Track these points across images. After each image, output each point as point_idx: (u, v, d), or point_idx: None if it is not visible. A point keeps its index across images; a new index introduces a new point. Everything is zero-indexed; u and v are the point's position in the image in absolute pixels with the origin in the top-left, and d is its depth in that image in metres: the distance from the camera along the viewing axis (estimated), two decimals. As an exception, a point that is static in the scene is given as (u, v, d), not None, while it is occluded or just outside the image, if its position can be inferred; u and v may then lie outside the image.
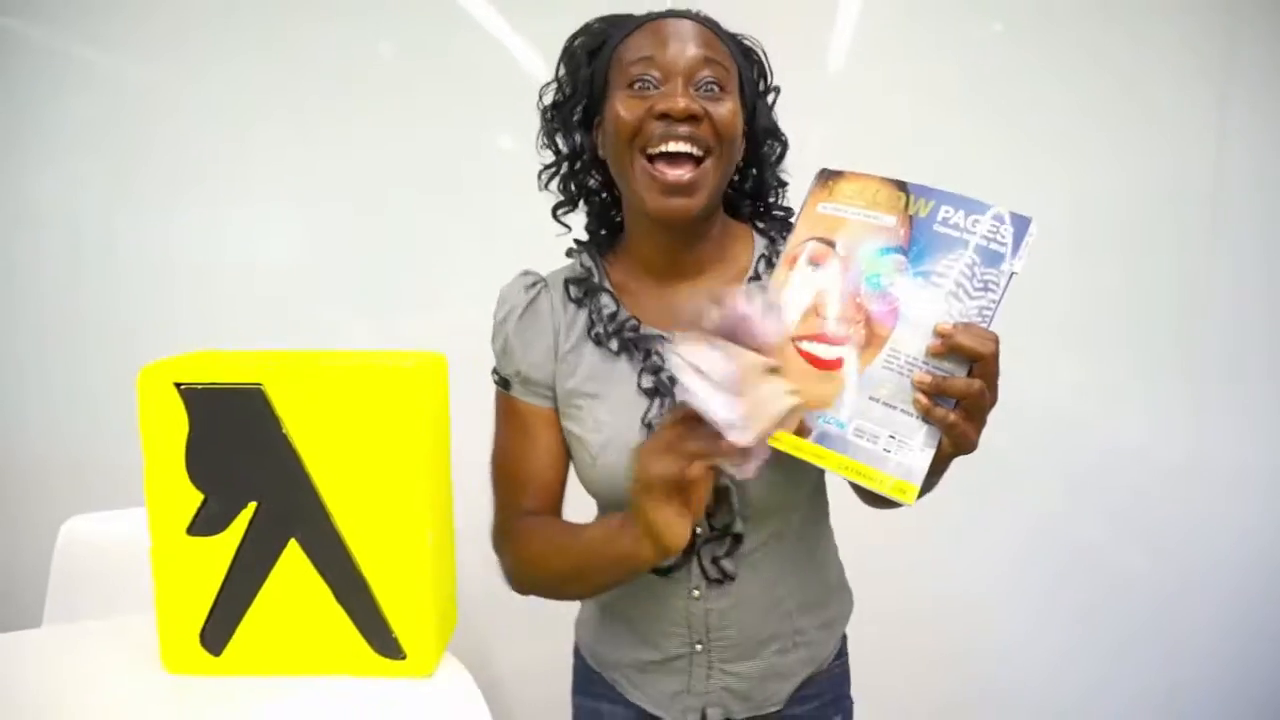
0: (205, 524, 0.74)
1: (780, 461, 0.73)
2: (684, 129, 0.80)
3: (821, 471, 0.82)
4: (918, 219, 0.73)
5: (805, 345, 0.74)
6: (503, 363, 0.93)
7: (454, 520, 0.82)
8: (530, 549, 0.89)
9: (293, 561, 0.74)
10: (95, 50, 1.75)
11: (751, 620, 0.93)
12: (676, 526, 0.72)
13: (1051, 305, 1.67)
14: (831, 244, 0.75)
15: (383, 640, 0.75)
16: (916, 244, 0.73)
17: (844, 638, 1.05)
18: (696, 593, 0.91)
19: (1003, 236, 0.71)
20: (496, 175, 1.73)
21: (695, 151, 0.81)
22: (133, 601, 0.86)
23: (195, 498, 0.74)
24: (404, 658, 0.75)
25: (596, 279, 0.92)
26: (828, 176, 0.78)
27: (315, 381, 0.72)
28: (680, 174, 0.81)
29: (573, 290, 0.92)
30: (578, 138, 0.92)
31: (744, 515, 0.88)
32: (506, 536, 0.91)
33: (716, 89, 0.83)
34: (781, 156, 0.96)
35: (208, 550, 0.74)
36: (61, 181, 1.77)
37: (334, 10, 1.72)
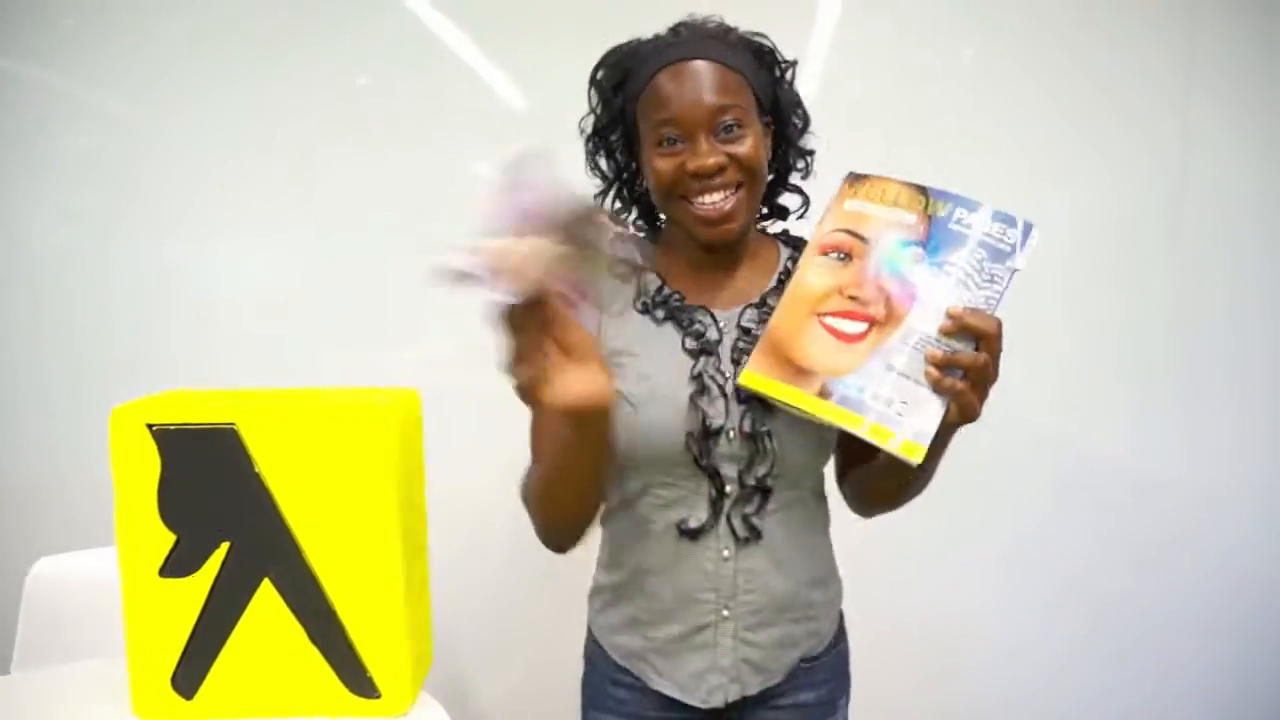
0: (177, 565, 0.74)
1: (809, 425, 0.85)
2: (715, 180, 0.92)
3: (833, 444, 0.99)
4: (936, 218, 0.85)
5: (830, 320, 0.85)
6: None
7: (429, 556, 0.82)
8: (527, 485, 0.92)
9: (266, 602, 0.74)
10: (82, 86, 1.76)
11: (774, 584, 0.98)
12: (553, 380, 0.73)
13: (1035, 315, 1.68)
14: (857, 235, 0.87)
15: (357, 679, 0.75)
16: (933, 239, 0.84)
17: (841, 619, 1.10)
18: (726, 553, 0.96)
19: (1010, 237, 0.83)
20: (475, 204, 1.74)
21: (728, 192, 0.93)
22: (103, 644, 0.85)
23: (167, 539, 0.73)
24: (379, 696, 0.75)
25: (645, 262, 1.00)
26: (855, 178, 0.91)
27: (288, 420, 0.73)
28: (720, 205, 0.92)
29: (618, 269, 0.93)
30: (620, 158, 1.04)
31: (776, 472, 0.94)
32: (522, 493, 0.94)
33: (736, 128, 0.92)
34: (804, 130, 1.05)
35: (180, 592, 0.74)
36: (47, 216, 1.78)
37: (313, 43, 1.73)
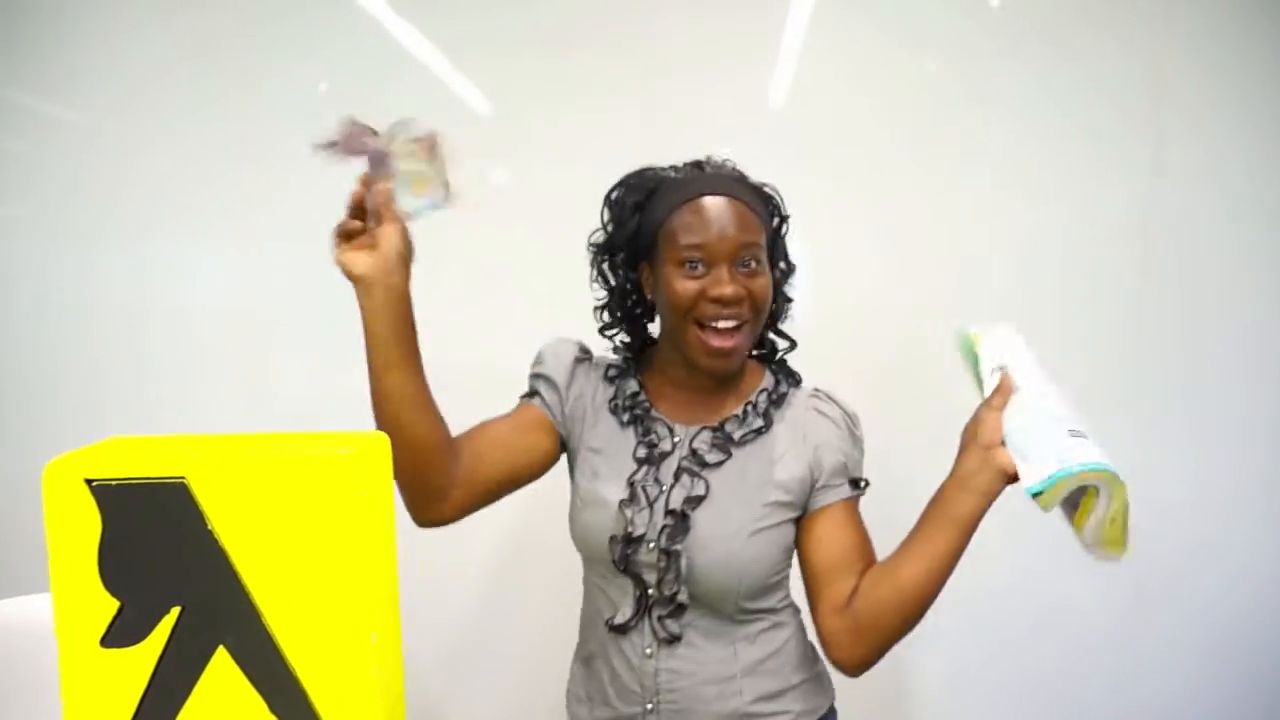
0: (121, 634, 0.67)
1: (728, 550, 0.94)
2: (730, 310, 1.01)
3: (777, 574, 1.07)
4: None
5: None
6: (534, 383, 1.13)
7: (400, 615, 0.76)
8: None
9: (221, 671, 0.67)
10: (34, 96, 1.68)
11: (698, 690, 1.02)
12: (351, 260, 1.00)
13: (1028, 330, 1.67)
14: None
15: (323, 753, 0.68)
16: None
17: None
18: (649, 650, 1.03)
19: None
20: (442, 214, 1.69)
21: (738, 324, 1.02)
22: (40, 709, 0.78)
23: (110, 604, 0.67)
24: (347, 771, 0.69)
25: (631, 374, 1.12)
26: (1013, 333, 1.07)
27: (243, 473, 0.66)
28: (726, 343, 1.01)
29: (611, 371, 1.13)
30: (624, 275, 1.12)
31: (685, 583, 1.00)
32: None
33: (754, 264, 1.02)
34: (787, 277, 1.13)
35: (124, 663, 0.67)
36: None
37: (279, 52, 1.67)
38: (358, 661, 0.68)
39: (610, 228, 1.11)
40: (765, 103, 1.65)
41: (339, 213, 1.72)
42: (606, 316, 1.15)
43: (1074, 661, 1.75)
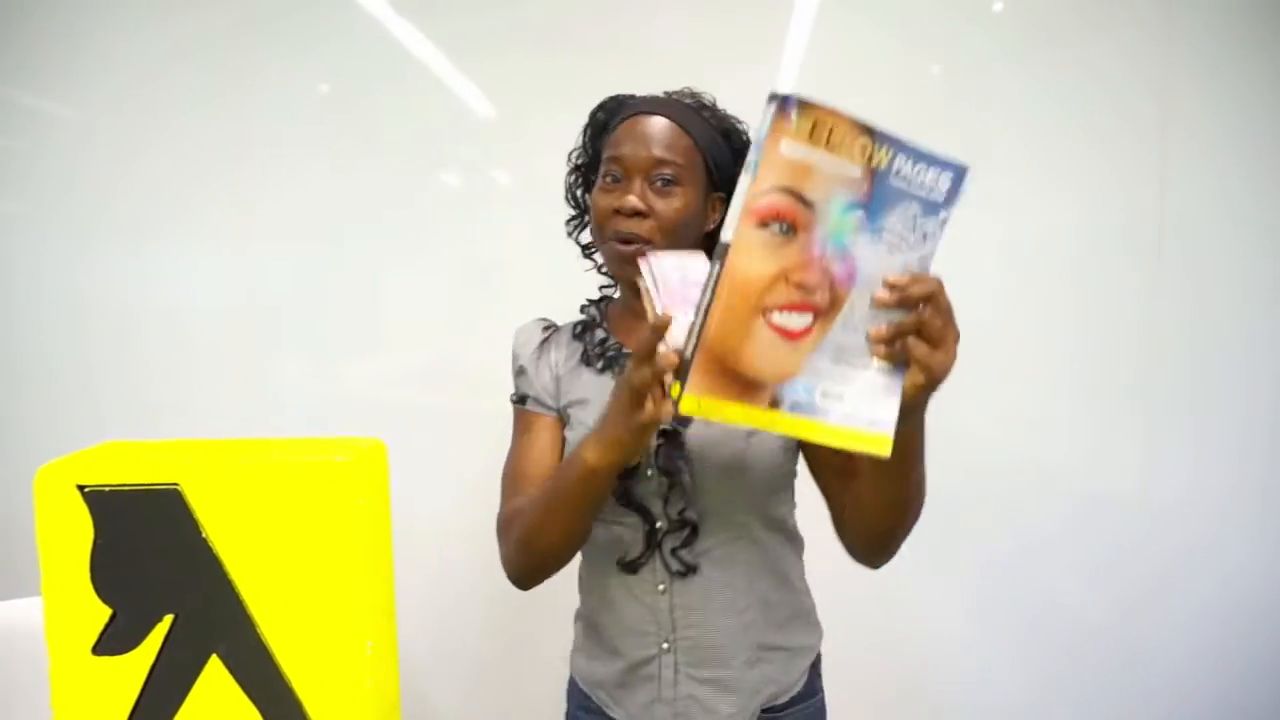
0: (113, 642, 0.66)
1: (728, 451, 0.87)
2: (631, 223, 0.98)
3: (782, 474, 1.01)
4: (878, 171, 0.69)
5: (777, 317, 0.69)
6: (520, 384, 1.10)
7: (396, 622, 0.75)
8: (511, 519, 1.00)
9: (214, 679, 0.67)
10: (31, 94, 1.67)
11: (715, 621, 1.00)
12: (638, 429, 0.80)
13: (997, 335, 1.67)
14: (801, 198, 0.67)
15: (318, 763, 0.68)
16: (875, 199, 0.69)
17: (815, 675, 1.10)
18: (662, 587, 1.01)
19: (941, 185, 0.72)
20: (443, 213, 1.68)
21: (639, 238, 0.98)
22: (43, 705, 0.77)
23: (102, 612, 0.66)
24: (342, 781, 0.68)
25: (597, 322, 1.09)
26: (792, 107, 0.66)
27: (237, 479, 0.65)
28: (625, 249, 0.98)
29: (578, 328, 1.11)
30: (584, 197, 1.12)
31: (696, 504, 0.99)
32: (502, 522, 1.03)
33: (670, 184, 0.99)
34: None
35: (116, 671, 0.66)
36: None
37: (277, 51, 1.66)
38: (353, 670, 0.67)
39: (586, 146, 1.11)
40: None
41: (339, 214, 1.72)
42: (582, 237, 1.14)
43: (1070, 661, 1.74)
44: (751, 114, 1.68)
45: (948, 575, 1.71)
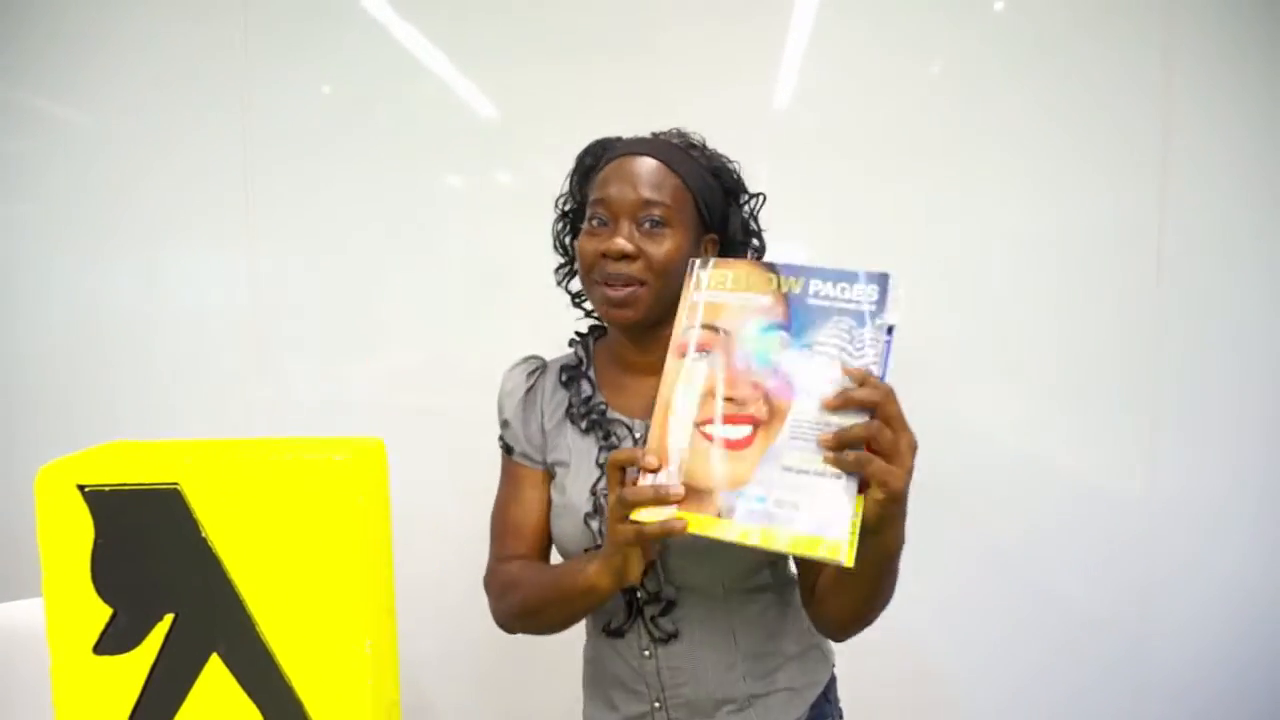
0: (114, 641, 0.66)
1: (703, 540, 0.78)
2: (621, 266, 0.95)
3: (762, 553, 0.89)
4: (791, 295, 0.79)
5: (710, 429, 0.78)
6: (506, 434, 1.10)
7: (396, 621, 0.75)
8: (506, 584, 1.02)
9: (214, 679, 0.67)
10: (47, 99, 1.69)
11: (704, 678, 1.00)
12: (633, 562, 0.85)
13: (1000, 336, 1.66)
14: (714, 329, 0.80)
15: (318, 762, 0.67)
16: (795, 319, 0.78)
17: (826, 700, 1.09)
18: (647, 652, 1.01)
19: (868, 296, 0.77)
20: (446, 216, 1.69)
21: (628, 284, 0.96)
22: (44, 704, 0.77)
23: (103, 612, 0.66)
24: (342, 780, 0.68)
25: (584, 367, 1.07)
26: (698, 267, 0.83)
27: (237, 479, 0.66)
28: (616, 294, 0.96)
29: (564, 375, 1.08)
30: (572, 243, 1.09)
31: (671, 581, 0.99)
32: (491, 576, 1.06)
33: (659, 225, 0.96)
34: (760, 256, 1.07)
35: (117, 670, 0.66)
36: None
37: (279, 53, 1.67)
38: (353, 670, 0.67)
39: (574, 191, 1.09)
40: (768, 108, 1.64)
41: (343, 217, 1.73)
42: (572, 285, 1.12)
43: (1067, 658, 1.73)
44: (754, 112, 1.68)
45: (947, 571, 1.71)
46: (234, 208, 1.69)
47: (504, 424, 1.10)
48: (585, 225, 1.00)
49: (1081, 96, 1.63)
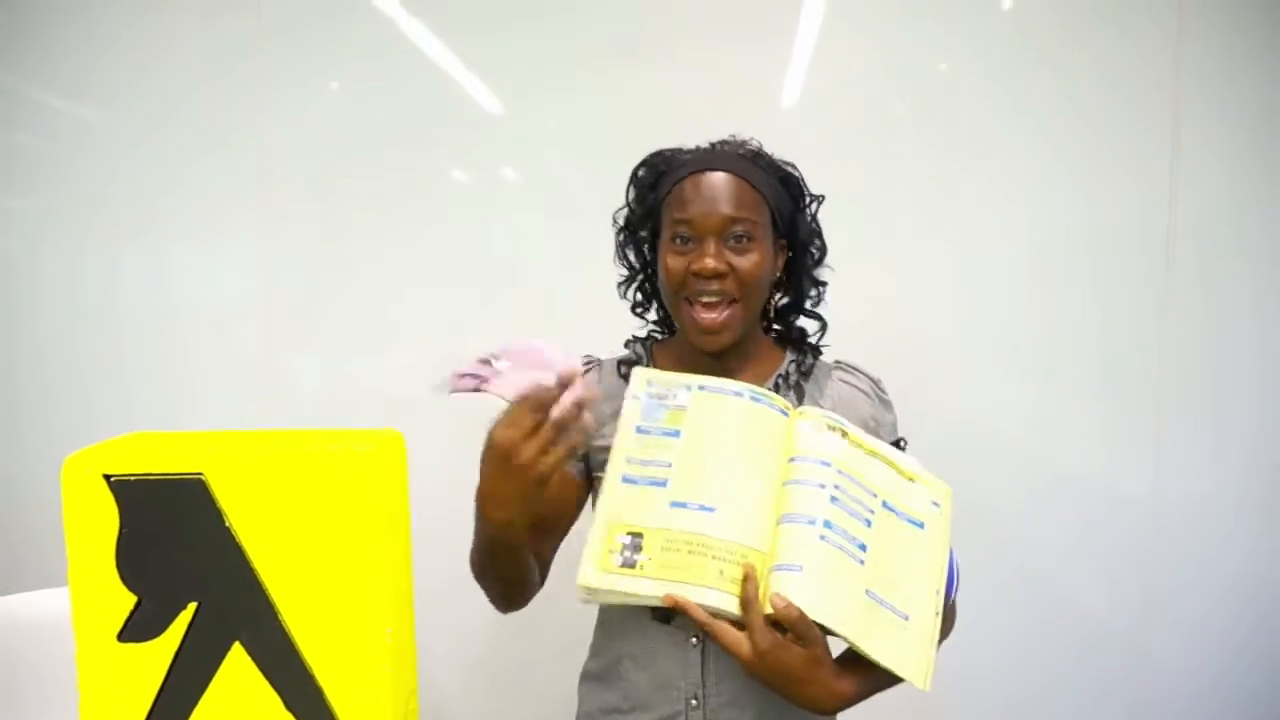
0: (138, 629, 0.67)
1: None
2: (714, 285, 0.98)
3: None
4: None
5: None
6: None
7: (414, 611, 0.76)
8: (473, 557, 0.99)
9: (237, 667, 0.68)
10: (36, 87, 1.69)
11: (743, 684, 0.97)
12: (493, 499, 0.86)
13: (1010, 336, 1.67)
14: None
15: (338, 748, 0.69)
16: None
17: None
18: (695, 640, 0.99)
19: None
20: (454, 210, 1.70)
21: (721, 300, 0.99)
22: (57, 701, 0.78)
23: (127, 600, 0.67)
24: (362, 766, 0.69)
25: (644, 363, 1.09)
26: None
27: (261, 469, 0.67)
28: (713, 318, 0.99)
29: (622, 369, 1.08)
30: (646, 253, 1.10)
31: None
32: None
33: (745, 240, 0.99)
34: (820, 260, 1.10)
35: (141, 658, 0.67)
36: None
37: (284, 46, 1.68)
38: (372, 657, 0.68)
39: (633, 204, 1.10)
40: (778, 102, 1.65)
41: (352, 211, 1.73)
42: (634, 295, 1.14)
43: (1081, 661, 1.74)
44: (762, 111, 1.68)
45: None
46: (247, 202, 1.69)
47: None
48: (668, 244, 1.01)
49: (1089, 95, 1.64)
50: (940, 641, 0.94)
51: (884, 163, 1.64)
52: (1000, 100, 1.64)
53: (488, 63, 1.68)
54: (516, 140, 1.69)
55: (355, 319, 1.72)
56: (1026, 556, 1.72)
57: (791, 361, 1.08)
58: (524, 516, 0.87)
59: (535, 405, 0.80)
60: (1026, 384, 1.68)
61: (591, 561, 0.86)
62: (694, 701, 0.99)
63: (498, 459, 0.82)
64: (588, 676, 1.12)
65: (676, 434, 0.90)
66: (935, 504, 0.93)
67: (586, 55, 1.65)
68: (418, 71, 1.67)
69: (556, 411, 0.79)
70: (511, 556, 0.95)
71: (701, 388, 0.93)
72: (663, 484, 0.87)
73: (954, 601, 0.98)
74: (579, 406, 0.80)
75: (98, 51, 1.69)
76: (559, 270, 1.66)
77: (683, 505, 0.86)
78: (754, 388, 0.94)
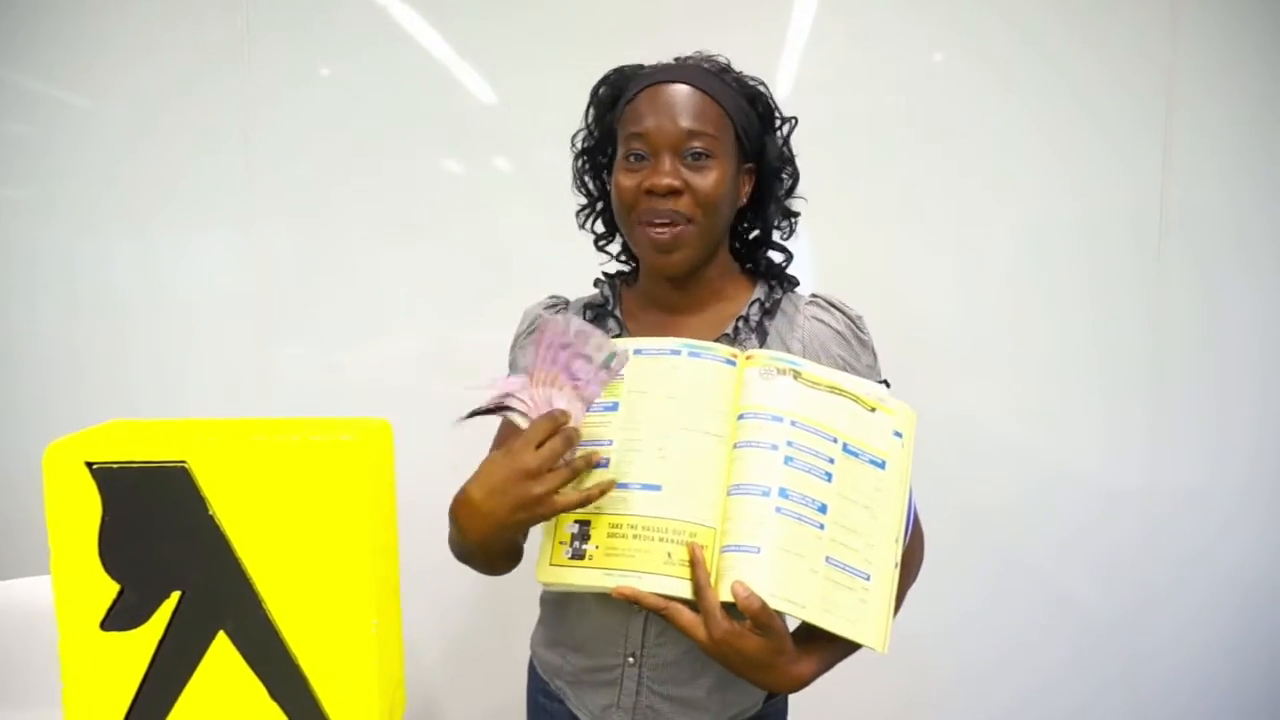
0: (121, 617, 0.67)
1: None
2: (668, 204, 0.90)
3: None
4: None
5: None
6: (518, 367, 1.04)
7: (400, 600, 0.76)
8: (452, 543, 0.94)
9: (221, 656, 0.67)
10: (30, 77, 1.67)
11: (685, 640, 0.91)
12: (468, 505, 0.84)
13: (1003, 328, 1.67)
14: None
15: (323, 738, 0.68)
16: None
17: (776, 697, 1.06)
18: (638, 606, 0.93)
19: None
20: (445, 199, 1.69)
21: (674, 222, 0.91)
22: (38, 690, 0.78)
23: (110, 588, 0.66)
24: (347, 756, 0.68)
25: (610, 306, 1.02)
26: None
27: (245, 457, 0.66)
28: (662, 234, 0.91)
29: (587, 314, 1.02)
30: (606, 180, 1.02)
31: None
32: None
33: (704, 157, 0.91)
34: (792, 189, 1.02)
35: (124, 646, 0.67)
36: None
37: (278, 35, 1.66)
38: (358, 648, 0.68)
39: (591, 126, 1.01)
40: (772, 91, 1.64)
41: (342, 200, 1.72)
42: (596, 227, 1.07)
43: (1080, 655, 1.74)
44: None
45: (955, 569, 1.72)
46: (234, 190, 1.68)
47: (511, 362, 1.04)
48: (621, 162, 0.93)
49: (1084, 86, 1.63)
50: (908, 586, 0.93)
51: (877, 154, 1.64)
52: (994, 91, 1.64)
53: (480, 52, 1.67)
54: (509, 130, 1.68)
55: (347, 309, 1.71)
56: (1022, 550, 1.72)
57: (755, 301, 0.99)
58: (502, 542, 0.88)
59: (555, 431, 0.80)
60: (1020, 377, 1.68)
61: (544, 555, 0.85)
62: (630, 659, 0.97)
63: (515, 477, 0.80)
64: (542, 603, 1.09)
65: (615, 407, 0.86)
66: (898, 434, 0.87)
67: (581, 45, 1.64)
68: (410, 60, 1.66)
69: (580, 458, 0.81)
70: (492, 552, 0.93)
71: (638, 351, 0.87)
72: (603, 465, 0.84)
73: (918, 541, 0.95)
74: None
75: (93, 42, 1.68)
76: (551, 260, 1.65)
77: (625, 487, 0.83)
78: (693, 342, 0.87)
